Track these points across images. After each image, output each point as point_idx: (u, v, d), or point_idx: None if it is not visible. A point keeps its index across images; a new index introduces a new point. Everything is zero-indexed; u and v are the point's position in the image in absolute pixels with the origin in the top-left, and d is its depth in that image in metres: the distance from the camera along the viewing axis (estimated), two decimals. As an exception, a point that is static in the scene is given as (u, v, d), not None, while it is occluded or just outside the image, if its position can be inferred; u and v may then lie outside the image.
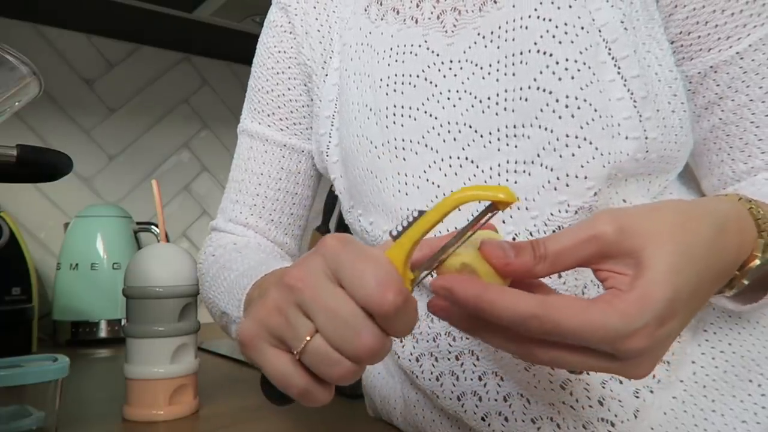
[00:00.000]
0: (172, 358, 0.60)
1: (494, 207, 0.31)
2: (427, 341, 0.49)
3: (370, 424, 0.61)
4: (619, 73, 0.43)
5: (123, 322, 1.05)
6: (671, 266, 0.30)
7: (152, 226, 1.16)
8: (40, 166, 0.63)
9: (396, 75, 0.51)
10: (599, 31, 0.43)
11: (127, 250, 1.11)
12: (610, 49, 0.43)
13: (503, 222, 0.46)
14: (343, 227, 1.28)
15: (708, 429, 0.45)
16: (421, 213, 0.30)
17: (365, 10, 0.56)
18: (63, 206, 1.23)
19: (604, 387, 0.44)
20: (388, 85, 0.51)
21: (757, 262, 0.36)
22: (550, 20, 0.44)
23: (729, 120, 0.47)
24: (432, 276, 0.33)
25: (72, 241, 1.09)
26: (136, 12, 1.13)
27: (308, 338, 0.30)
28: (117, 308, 1.07)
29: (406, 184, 0.50)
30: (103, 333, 1.06)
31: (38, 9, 1.15)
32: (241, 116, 0.68)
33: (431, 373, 0.50)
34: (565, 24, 0.43)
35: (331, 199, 1.29)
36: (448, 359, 0.48)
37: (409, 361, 0.51)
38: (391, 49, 0.52)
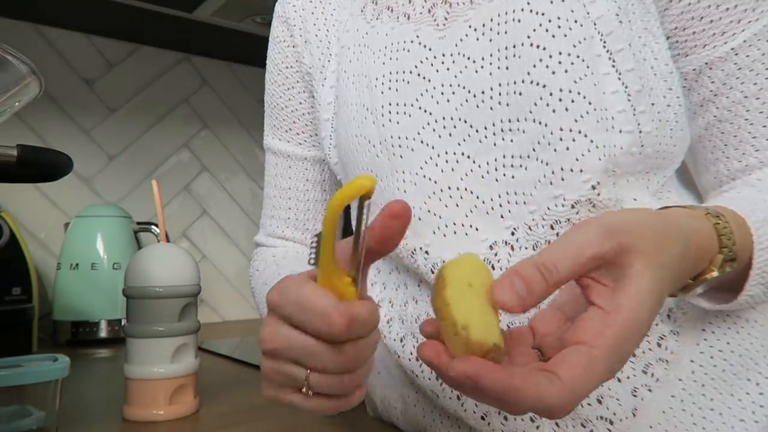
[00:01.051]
0: (172, 358, 0.60)
1: (366, 197, 0.33)
2: None
3: (370, 424, 0.61)
4: (613, 66, 0.43)
5: (123, 322, 1.05)
6: (648, 287, 0.31)
7: (152, 226, 1.16)
8: (40, 166, 0.63)
9: (390, 72, 0.51)
10: (594, 24, 0.43)
11: (127, 250, 1.11)
12: (604, 42, 0.43)
13: (501, 217, 0.46)
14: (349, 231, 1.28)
15: (706, 428, 0.45)
16: (319, 235, 0.33)
17: (361, 11, 0.56)
18: (63, 206, 1.23)
19: (602, 385, 0.44)
20: (383, 83, 0.51)
21: (714, 274, 0.37)
22: (543, 14, 0.44)
23: (723, 117, 0.47)
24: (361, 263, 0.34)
25: (72, 241, 1.09)
26: (136, 12, 1.13)
27: (306, 378, 0.35)
28: (117, 308, 1.07)
29: (404, 181, 0.50)
30: (103, 333, 1.06)
31: (38, 9, 1.15)
32: (264, 133, 0.71)
33: (431, 372, 0.50)
34: (558, 18, 0.43)
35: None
36: None
37: (409, 360, 0.51)
38: (386, 47, 0.52)
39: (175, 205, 1.38)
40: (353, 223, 0.33)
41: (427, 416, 0.53)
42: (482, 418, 0.47)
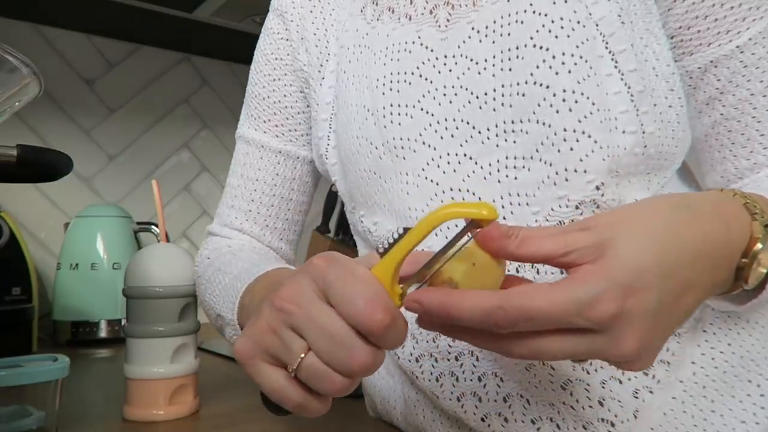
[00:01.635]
0: (172, 358, 0.60)
1: (476, 224, 0.32)
2: (427, 342, 0.49)
3: (370, 424, 0.61)
4: (616, 67, 0.43)
5: (123, 322, 1.05)
6: (635, 246, 0.30)
7: (152, 226, 1.16)
8: (40, 166, 0.63)
9: (392, 74, 0.51)
10: (596, 25, 0.43)
11: (127, 250, 1.10)
12: (607, 43, 0.43)
13: (504, 219, 0.46)
14: (343, 227, 1.29)
15: (707, 429, 0.45)
16: (406, 230, 0.31)
17: (361, 12, 0.56)
18: (63, 206, 1.23)
19: (603, 387, 0.44)
20: (384, 84, 0.51)
21: (760, 245, 0.35)
22: (545, 15, 0.44)
23: (730, 115, 0.47)
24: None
25: (72, 241, 1.09)
26: (136, 12, 1.13)
27: (302, 356, 0.31)
28: (117, 308, 1.07)
29: (407, 183, 0.50)
30: (103, 333, 1.06)
31: (38, 9, 1.15)
32: (238, 122, 0.69)
33: (431, 373, 0.50)
34: (561, 18, 0.43)
35: (332, 199, 1.29)
36: (448, 360, 0.48)
37: (409, 361, 0.51)
38: (387, 48, 0.52)
39: (175, 205, 1.38)
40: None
41: (427, 417, 0.53)
42: (482, 419, 0.47)
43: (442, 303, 0.30)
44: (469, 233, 0.32)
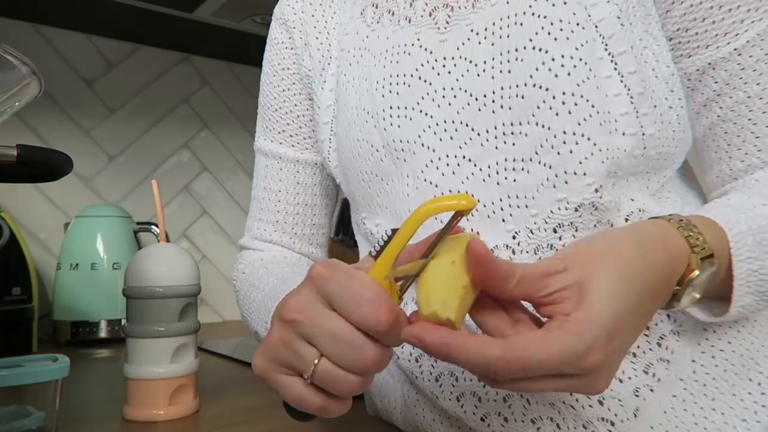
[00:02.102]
0: (172, 358, 0.60)
1: (459, 214, 0.34)
2: None
3: (370, 424, 0.61)
4: (615, 69, 0.43)
5: (123, 322, 1.05)
6: (610, 288, 0.32)
7: (152, 226, 1.16)
8: (40, 166, 0.63)
9: (391, 76, 0.51)
10: (596, 27, 0.43)
11: (127, 250, 1.11)
12: (606, 45, 0.43)
13: (503, 221, 0.46)
14: (343, 227, 1.28)
15: (708, 428, 0.45)
16: (395, 231, 0.33)
17: (361, 15, 0.56)
18: (63, 206, 1.23)
19: None
20: (383, 86, 0.51)
21: (697, 272, 0.37)
22: (545, 17, 0.44)
23: (727, 117, 0.47)
24: (415, 284, 0.35)
25: (72, 241, 1.09)
26: (136, 12, 1.13)
27: (315, 362, 0.33)
28: (117, 308, 1.07)
29: (407, 185, 0.50)
30: (103, 333, 1.06)
31: (38, 9, 1.15)
32: (255, 134, 0.70)
33: (430, 373, 0.50)
34: (561, 21, 0.43)
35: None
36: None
37: (409, 361, 0.51)
38: (387, 51, 0.52)
39: (175, 205, 1.38)
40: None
41: (427, 416, 0.53)
42: (482, 419, 0.47)
43: (444, 344, 0.31)
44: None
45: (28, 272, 0.98)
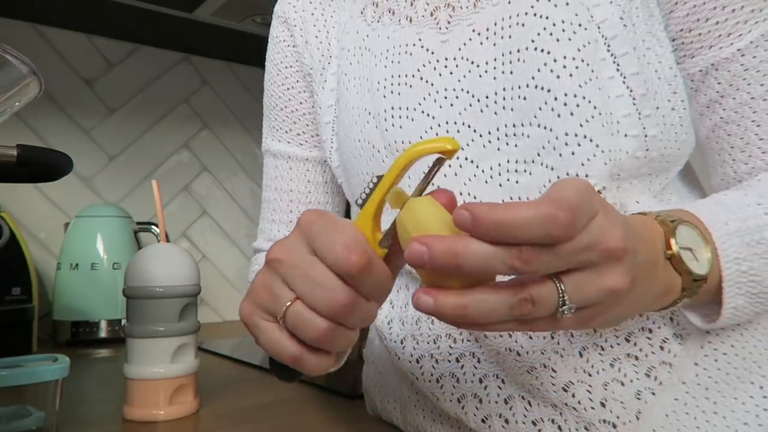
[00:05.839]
0: (172, 358, 0.60)
1: (441, 160, 0.33)
2: (428, 343, 0.49)
3: (370, 424, 0.61)
4: (618, 70, 0.42)
5: (123, 322, 1.05)
6: (611, 216, 0.31)
7: (152, 226, 1.16)
8: (40, 166, 0.63)
9: (392, 76, 0.51)
10: (598, 27, 0.43)
11: (127, 250, 1.10)
12: (609, 46, 0.43)
13: None
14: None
15: (710, 431, 0.45)
16: (380, 178, 0.33)
17: (361, 13, 0.56)
18: (63, 206, 1.23)
19: (606, 389, 0.44)
20: (385, 87, 0.51)
21: (671, 225, 0.37)
22: (547, 18, 0.44)
23: (730, 119, 0.46)
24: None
25: (72, 241, 1.09)
26: (136, 12, 1.13)
27: (288, 303, 0.33)
28: (117, 308, 1.07)
29: (409, 186, 0.50)
30: (103, 333, 1.06)
31: (38, 9, 1.15)
32: (262, 136, 0.70)
33: (431, 374, 0.49)
34: (563, 21, 0.43)
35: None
36: (449, 361, 0.48)
37: (409, 362, 0.51)
38: (388, 50, 0.52)
39: (175, 205, 1.38)
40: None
41: (427, 417, 0.53)
42: (483, 420, 0.47)
43: (494, 215, 0.28)
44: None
45: (28, 272, 0.98)
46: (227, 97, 1.46)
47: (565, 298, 0.30)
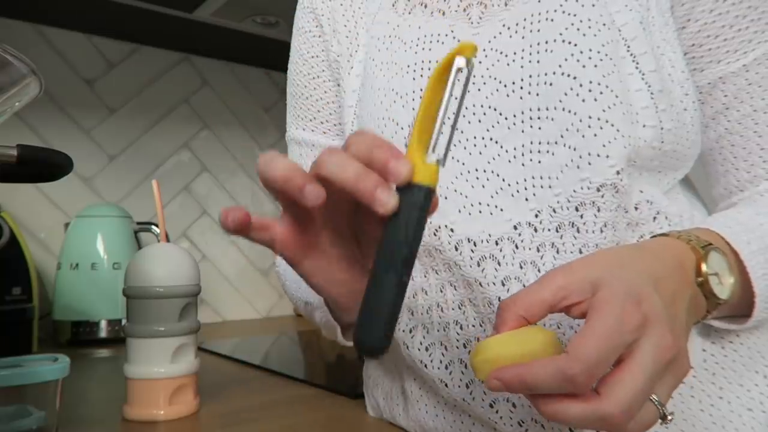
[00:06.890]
0: (172, 358, 0.60)
1: (458, 70, 0.32)
2: (438, 331, 0.50)
3: (370, 424, 0.61)
4: (637, 68, 0.45)
5: (123, 322, 1.05)
6: (618, 276, 0.34)
7: (152, 226, 1.16)
8: (40, 166, 0.63)
9: (423, 61, 0.52)
10: (619, 30, 0.46)
11: (127, 250, 1.11)
12: (629, 47, 0.45)
13: (526, 200, 0.46)
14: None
15: (714, 415, 0.46)
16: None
17: (393, 6, 0.58)
18: (63, 206, 1.23)
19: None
20: (414, 70, 0.53)
21: (702, 252, 0.39)
22: (575, 15, 0.46)
23: (734, 130, 0.50)
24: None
25: (72, 241, 1.09)
26: (136, 12, 1.13)
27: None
28: (117, 308, 1.07)
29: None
30: (103, 333, 1.07)
31: (38, 9, 1.15)
32: (286, 126, 0.70)
33: (440, 362, 0.50)
34: (589, 20, 0.46)
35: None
36: (457, 347, 0.49)
37: (419, 350, 0.52)
38: (419, 39, 0.54)
39: (175, 205, 1.38)
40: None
41: (430, 412, 0.53)
42: (490, 405, 0.48)
43: (518, 374, 0.32)
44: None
45: (29, 272, 0.98)
46: (227, 97, 1.46)
47: (663, 410, 0.34)
